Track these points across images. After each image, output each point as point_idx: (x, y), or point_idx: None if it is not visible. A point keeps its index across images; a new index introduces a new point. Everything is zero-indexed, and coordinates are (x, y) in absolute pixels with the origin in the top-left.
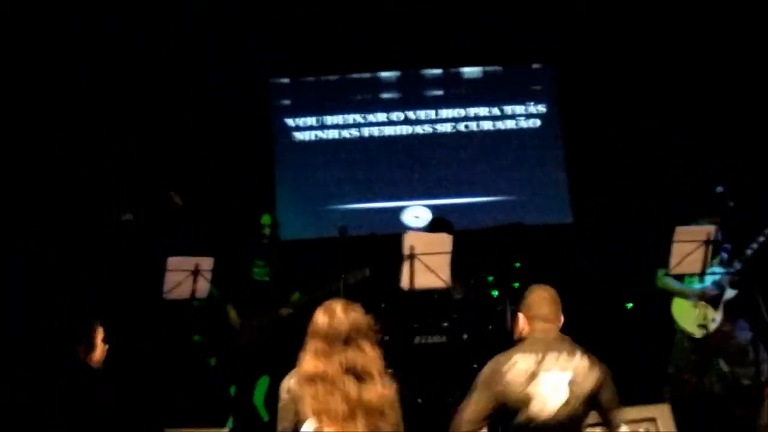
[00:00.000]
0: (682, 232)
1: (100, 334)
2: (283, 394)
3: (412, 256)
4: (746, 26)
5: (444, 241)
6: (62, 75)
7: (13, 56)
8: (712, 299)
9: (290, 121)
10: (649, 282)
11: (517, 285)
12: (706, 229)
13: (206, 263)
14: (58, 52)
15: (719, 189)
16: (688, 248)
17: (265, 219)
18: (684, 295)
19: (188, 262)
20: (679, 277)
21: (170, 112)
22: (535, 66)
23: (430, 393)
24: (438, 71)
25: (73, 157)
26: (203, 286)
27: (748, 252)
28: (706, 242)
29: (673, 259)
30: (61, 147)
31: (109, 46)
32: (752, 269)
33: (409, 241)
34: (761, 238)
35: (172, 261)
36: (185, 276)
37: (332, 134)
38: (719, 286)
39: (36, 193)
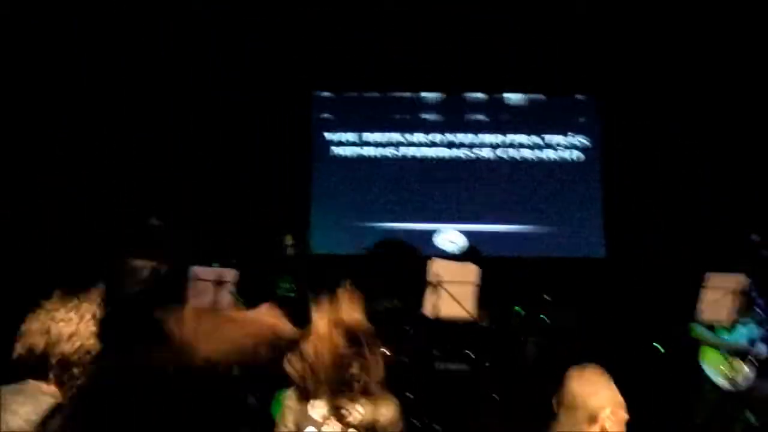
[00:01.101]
0: (712, 278)
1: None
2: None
3: (437, 284)
4: None
5: (470, 271)
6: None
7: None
8: (743, 353)
9: (330, 136)
10: (678, 324)
11: (543, 317)
12: (737, 278)
13: (229, 275)
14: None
15: (754, 237)
16: (718, 295)
17: (288, 239)
18: (715, 346)
19: (211, 272)
20: (711, 328)
21: (209, 120)
22: (580, 97)
23: (448, 420)
24: (481, 96)
25: (99, 166)
26: (226, 298)
27: None
28: (737, 291)
29: (702, 306)
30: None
31: (138, 50)
32: None
33: (436, 269)
34: None
35: (196, 271)
36: (208, 286)
37: (371, 152)
38: (751, 341)
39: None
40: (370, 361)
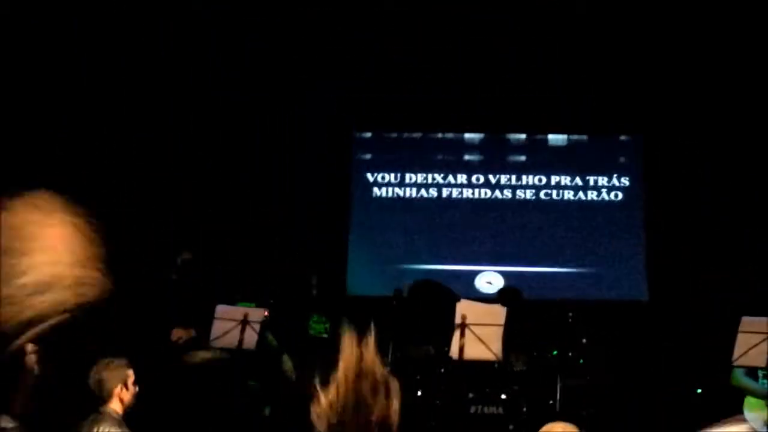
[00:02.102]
0: (747, 323)
1: (130, 378)
2: None
3: (463, 326)
4: None
5: (498, 313)
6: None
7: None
8: None
9: (370, 176)
10: (720, 370)
11: (582, 361)
12: None
13: (256, 314)
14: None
15: None
16: (754, 340)
17: (313, 279)
18: (757, 395)
19: (237, 311)
20: (754, 375)
21: (252, 159)
22: (622, 138)
23: None
24: (522, 136)
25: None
26: (251, 337)
27: None
28: None
29: (737, 350)
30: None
31: (175, 73)
32: None
33: (462, 310)
34: None
35: (221, 309)
36: (234, 325)
37: (411, 192)
38: None
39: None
40: (391, 411)
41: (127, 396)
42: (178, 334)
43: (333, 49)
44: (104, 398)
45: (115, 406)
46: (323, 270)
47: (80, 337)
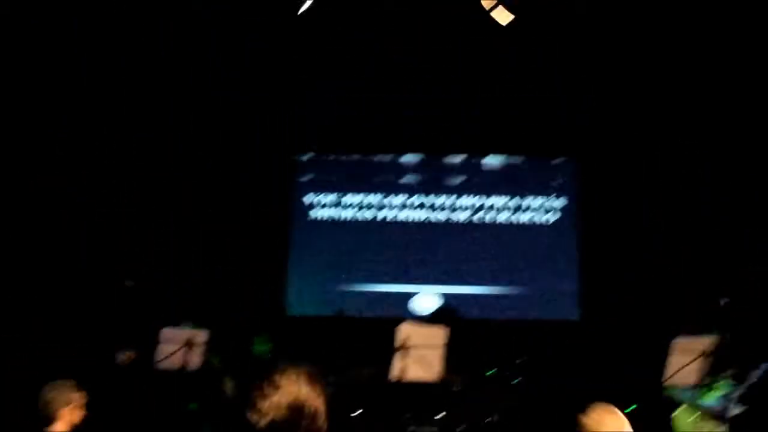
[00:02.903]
0: (680, 343)
1: (77, 400)
2: None
3: (404, 348)
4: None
5: (438, 335)
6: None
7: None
8: (719, 414)
9: (309, 198)
10: (651, 387)
11: (516, 381)
12: (705, 341)
13: (200, 336)
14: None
15: (724, 301)
16: (685, 359)
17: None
18: (690, 408)
19: (181, 334)
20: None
21: (190, 181)
22: (557, 161)
23: None
24: (459, 158)
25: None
26: (196, 359)
27: (759, 373)
28: (705, 354)
29: (669, 370)
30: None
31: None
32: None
33: (403, 332)
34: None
35: (166, 332)
36: (178, 347)
37: (349, 214)
38: (727, 402)
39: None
40: None
41: (73, 418)
42: (122, 356)
43: (276, 73)
44: (50, 419)
45: (60, 428)
46: (264, 291)
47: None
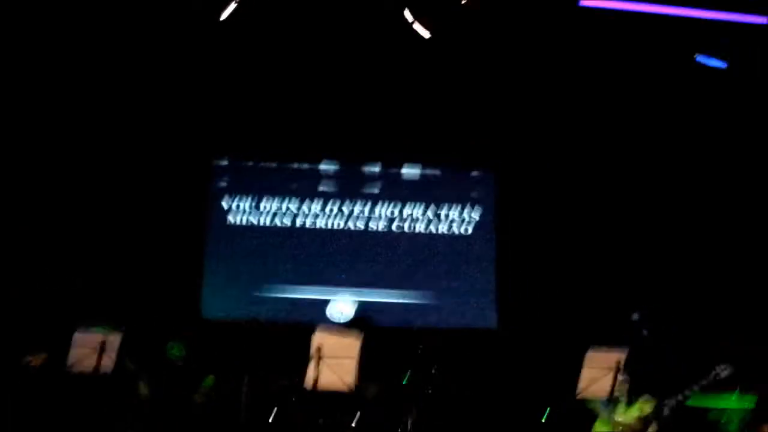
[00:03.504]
0: (591, 357)
1: None
2: None
3: (318, 357)
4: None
5: (352, 345)
6: None
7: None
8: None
9: (225, 203)
10: (566, 396)
11: (429, 391)
12: (616, 356)
13: (113, 339)
14: None
15: (635, 316)
16: (598, 374)
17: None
18: (607, 421)
19: (94, 337)
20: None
21: (104, 182)
22: (474, 173)
23: None
24: (377, 168)
25: None
26: (108, 362)
27: (685, 394)
28: (617, 368)
29: (582, 383)
30: None
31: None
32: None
33: (317, 340)
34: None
35: (78, 335)
36: (90, 351)
37: (267, 219)
38: (646, 423)
39: None
40: None
41: None
42: (31, 359)
43: (192, 77)
44: None
45: None
46: (179, 294)
47: None
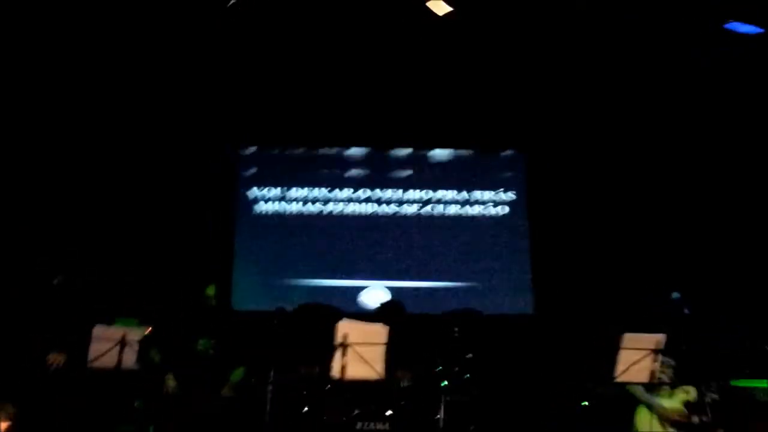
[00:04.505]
0: (630, 338)
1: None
2: None
3: (344, 345)
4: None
5: (379, 332)
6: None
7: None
8: (679, 420)
9: (253, 192)
10: (605, 381)
11: (467, 376)
12: (656, 338)
13: (134, 333)
14: None
15: (675, 295)
16: (636, 356)
17: (210, 289)
18: (650, 407)
19: (115, 331)
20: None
21: (132, 173)
22: (506, 153)
23: None
24: (406, 151)
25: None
26: (130, 358)
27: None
28: (655, 351)
29: (619, 367)
30: None
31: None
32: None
33: (343, 329)
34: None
35: (98, 330)
36: (111, 346)
37: (295, 208)
38: (690, 409)
39: None
40: None
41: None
42: (52, 358)
43: (218, 64)
44: None
45: None
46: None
47: None
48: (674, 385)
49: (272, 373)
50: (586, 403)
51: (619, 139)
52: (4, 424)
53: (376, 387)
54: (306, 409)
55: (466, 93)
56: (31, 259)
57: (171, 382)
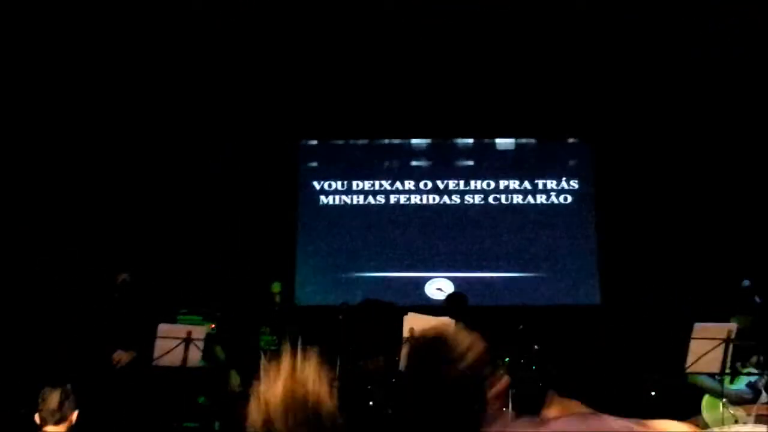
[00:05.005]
0: (700, 329)
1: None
2: None
3: (412, 339)
4: None
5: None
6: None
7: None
8: (746, 403)
9: (316, 184)
10: (675, 372)
11: (534, 368)
12: (727, 327)
13: (199, 331)
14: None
15: (746, 283)
16: (707, 346)
17: (275, 287)
18: (716, 395)
19: (180, 329)
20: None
21: (193, 170)
22: (571, 140)
23: None
24: (470, 141)
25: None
26: (195, 355)
27: None
28: (726, 341)
29: (690, 357)
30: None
31: (121, 104)
32: None
33: (409, 323)
34: None
35: (163, 328)
36: (177, 343)
37: (359, 200)
38: (755, 389)
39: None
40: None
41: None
42: (118, 357)
43: (279, 57)
44: (49, 422)
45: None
46: (271, 280)
47: None
48: (737, 369)
49: (339, 368)
50: (654, 394)
51: (687, 123)
52: (74, 415)
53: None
54: (372, 402)
55: (528, 81)
56: (97, 259)
57: (235, 379)
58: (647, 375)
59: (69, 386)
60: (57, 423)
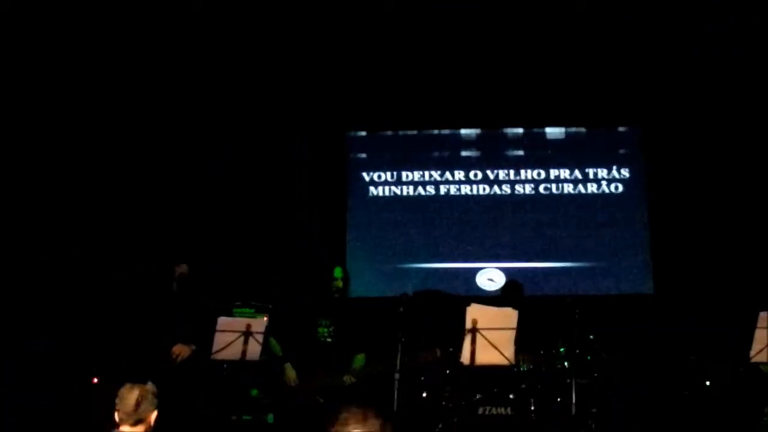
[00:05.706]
0: (765, 318)
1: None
2: None
3: (474, 331)
4: None
5: (509, 316)
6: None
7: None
8: None
9: (366, 175)
10: (730, 360)
11: (590, 357)
12: None
13: (258, 324)
14: None
15: None
16: None
17: (337, 272)
18: None
19: (239, 322)
20: None
21: (243, 162)
22: (621, 129)
23: None
24: (519, 130)
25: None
26: (254, 348)
27: None
28: None
29: (755, 346)
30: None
31: (162, 92)
32: None
33: (472, 314)
34: None
35: (223, 321)
36: (236, 337)
37: (408, 190)
38: None
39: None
40: None
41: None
42: (179, 350)
43: (325, 49)
44: (135, 422)
45: (141, 429)
46: (324, 273)
47: None
48: None
49: (399, 360)
50: (708, 383)
51: (741, 109)
52: (152, 416)
53: (497, 371)
54: (426, 394)
55: (578, 69)
56: (155, 252)
57: (290, 373)
58: (707, 364)
59: (151, 385)
60: (134, 425)
